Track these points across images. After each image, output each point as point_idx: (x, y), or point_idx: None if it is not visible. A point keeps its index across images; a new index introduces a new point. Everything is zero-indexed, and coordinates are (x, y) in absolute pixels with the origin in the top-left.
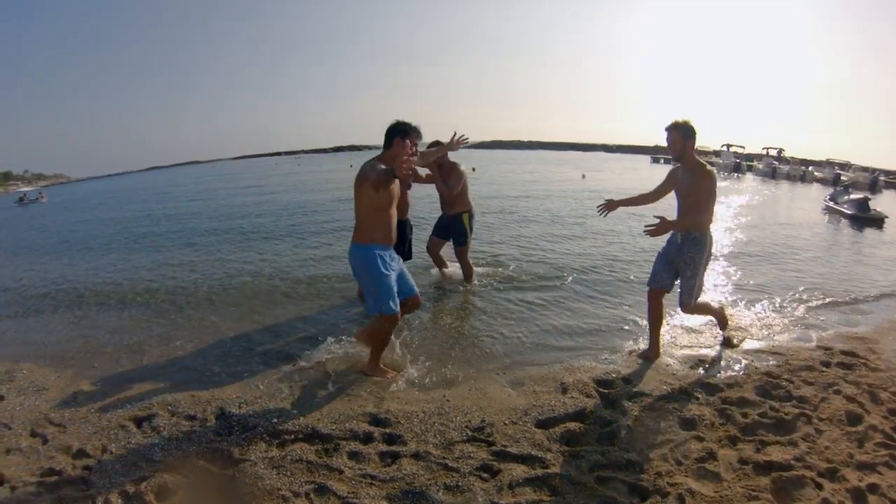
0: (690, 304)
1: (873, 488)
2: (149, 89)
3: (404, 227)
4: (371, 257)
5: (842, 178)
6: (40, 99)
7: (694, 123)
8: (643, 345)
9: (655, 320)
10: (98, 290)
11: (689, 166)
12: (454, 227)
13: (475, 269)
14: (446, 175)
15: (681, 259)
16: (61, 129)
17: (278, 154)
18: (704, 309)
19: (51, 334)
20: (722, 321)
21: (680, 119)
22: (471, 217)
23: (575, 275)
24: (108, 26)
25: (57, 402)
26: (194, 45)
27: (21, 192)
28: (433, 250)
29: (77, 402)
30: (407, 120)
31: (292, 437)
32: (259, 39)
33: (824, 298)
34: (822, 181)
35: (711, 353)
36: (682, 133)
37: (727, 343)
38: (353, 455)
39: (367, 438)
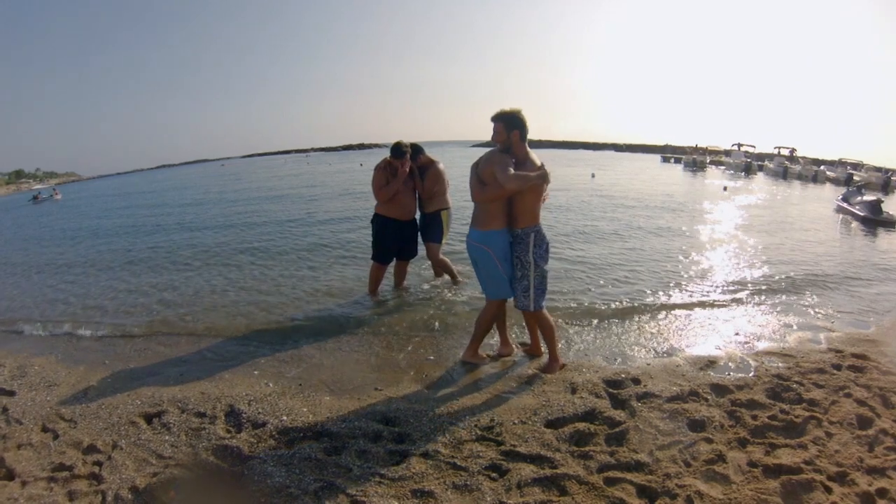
0: (529, 307)
1: (882, 493)
2: (159, 88)
3: (413, 227)
4: (507, 241)
5: (854, 178)
6: (51, 98)
7: (523, 114)
8: (655, 344)
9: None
10: (109, 290)
11: (519, 159)
12: (432, 224)
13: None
14: (424, 174)
15: (514, 258)
16: (73, 129)
17: (287, 152)
18: (542, 323)
19: (61, 333)
20: (535, 345)
21: (506, 108)
22: (449, 215)
23: (582, 276)
24: (117, 26)
25: (68, 398)
26: (204, 45)
27: (35, 189)
28: (432, 256)
29: (88, 399)
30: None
31: (301, 434)
32: (270, 39)
33: (835, 301)
34: (834, 181)
35: (721, 354)
36: (504, 123)
37: (529, 351)
38: (362, 453)
39: (376, 437)
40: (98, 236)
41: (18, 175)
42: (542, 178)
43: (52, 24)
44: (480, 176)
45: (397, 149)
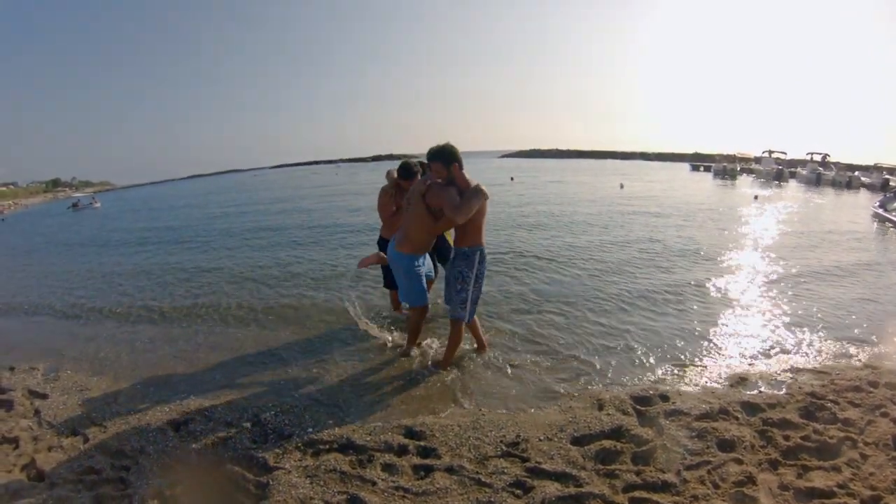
0: (464, 318)
1: None
2: (192, 99)
3: None
4: (412, 263)
5: (890, 183)
6: (87, 109)
7: (451, 145)
8: (684, 361)
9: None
10: (143, 302)
11: (462, 188)
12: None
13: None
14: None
15: (451, 273)
16: (107, 138)
17: (317, 163)
18: (455, 334)
19: (95, 339)
20: (480, 344)
21: (435, 146)
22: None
23: (609, 291)
24: (151, 38)
25: (99, 402)
26: (234, 57)
27: (74, 197)
28: None
29: (118, 404)
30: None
31: (327, 446)
32: (298, 50)
33: (870, 314)
34: (869, 187)
35: (753, 371)
36: (442, 161)
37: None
38: (387, 467)
39: (402, 451)
40: (137, 249)
41: (55, 184)
42: (480, 196)
43: (87, 38)
44: (429, 205)
45: (408, 169)
